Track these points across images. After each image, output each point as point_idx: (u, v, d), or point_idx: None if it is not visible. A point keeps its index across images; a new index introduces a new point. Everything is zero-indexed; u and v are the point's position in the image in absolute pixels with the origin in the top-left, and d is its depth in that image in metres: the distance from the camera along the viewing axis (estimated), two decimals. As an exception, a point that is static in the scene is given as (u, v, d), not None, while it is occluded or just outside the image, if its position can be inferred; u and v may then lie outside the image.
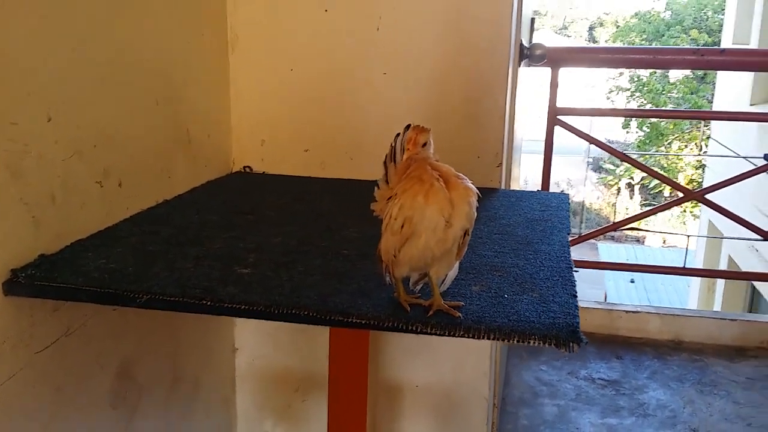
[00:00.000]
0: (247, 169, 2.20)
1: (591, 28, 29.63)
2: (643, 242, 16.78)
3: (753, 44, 7.08)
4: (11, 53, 1.29)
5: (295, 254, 1.48)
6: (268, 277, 1.35)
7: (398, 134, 1.24)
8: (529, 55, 2.63)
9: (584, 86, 19.57)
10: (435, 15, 2.05)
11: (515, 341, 1.16)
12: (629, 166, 16.52)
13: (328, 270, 1.40)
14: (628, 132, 16.54)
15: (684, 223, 15.60)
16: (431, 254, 1.20)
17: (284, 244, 1.54)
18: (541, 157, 3.54)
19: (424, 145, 1.20)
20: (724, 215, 3.41)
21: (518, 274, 1.41)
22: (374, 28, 2.08)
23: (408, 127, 1.23)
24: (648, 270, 4.19)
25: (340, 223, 1.72)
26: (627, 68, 14.86)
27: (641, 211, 3.77)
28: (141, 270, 1.36)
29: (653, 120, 16.20)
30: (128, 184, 1.68)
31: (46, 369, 1.40)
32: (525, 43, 2.53)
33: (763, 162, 3.28)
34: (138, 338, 1.75)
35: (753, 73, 6.87)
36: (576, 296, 1.30)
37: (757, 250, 6.22)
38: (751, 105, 6.85)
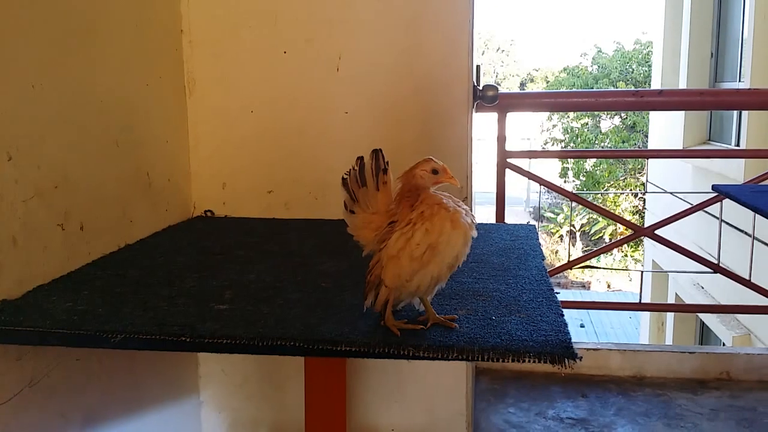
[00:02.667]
0: (209, 213, 2.15)
1: (522, 84, 30.66)
2: (589, 287, 17.06)
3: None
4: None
5: (272, 289, 1.44)
6: (248, 311, 1.30)
7: (361, 158, 1.25)
8: (481, 96, 2.67)
9: (520, 139, 20.09)
10: (394, 54, 2.07)
11: (510, 360, 1.14)
12: (569, 213, 16.97)
13: (310, 302, 1.36)
14: (565, 181, 16.96)
15: (626, 267, 15.96)
16: (443, 279, 1.22)
17: (260, 281, 1.50)
18: (489, 207, 3.57)
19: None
20: (675, 250, 3.48)
21: (501, 298, 1.39)
22: (334, 68, 2.08)
23: (375, 151, 1.24)
24: (601, 307, 4.23)
25: (313, 258, 1.69)
26: (571, 111, 15.29)
27: (593, 250, 3.83)
28: (112, 311, 1.30)
29: (589, 169, 16.70)
30: (90, 227, 1.61)
31: (9, 422, 1.31)
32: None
33: (706, 196, 3.38)
34: (101, 390, 1.66)
35: (684, 118, 7.16)
36: (563, 315, 1.29)
37: (702, 287, 6.37)
38: (683, 148, 7.11)
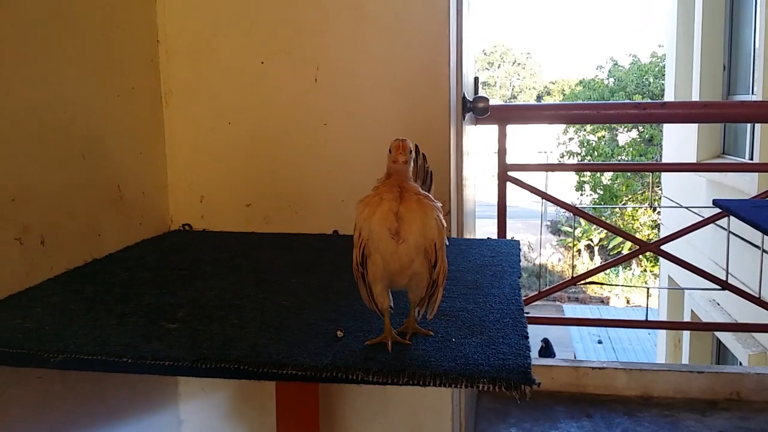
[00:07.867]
0: (187, 227, 2.11)
1: (539, 97, 30.59)
2: (608, 302, 16.84)
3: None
4: None
5: (229, 307, 1.38)
6: (197, 331, 1.25)
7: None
8: (472, 108, 2.61)
9: (537, 153, 19.99)
10: (373, 63, 2.02)
11: (463, 386, 1.07)
12: (587, 227, 16.79)
13: (264, 321, 1.30)
14: (582, 194, 16.80)
15: (645, 282, 15.73)
16: (389, 270, 1.14)
17: (219, 298, 1.44)
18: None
19: (405, 162, 1.23)
20: (680, 266, 3.39)
21: (467, 318, 1.32)
22: (312, 79, 2.04)
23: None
24: (611, 324, 4.13)
25: (280, 275, 1.63)
26: (573, 123, 15.18)
27: (599, 265, 3.75)
28: (59, 329, 1.25)
29: (606, 182, 16.53)
30: (52, 242, 1.57)
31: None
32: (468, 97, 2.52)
33: (716, 210, 3.28)
34: (66, 411, 1.60)
35: (697, 132, 7.04)
36: (527, 337, 1.22)
37: (718, 304, 6.23)
38: (697, 162, 6.99)
